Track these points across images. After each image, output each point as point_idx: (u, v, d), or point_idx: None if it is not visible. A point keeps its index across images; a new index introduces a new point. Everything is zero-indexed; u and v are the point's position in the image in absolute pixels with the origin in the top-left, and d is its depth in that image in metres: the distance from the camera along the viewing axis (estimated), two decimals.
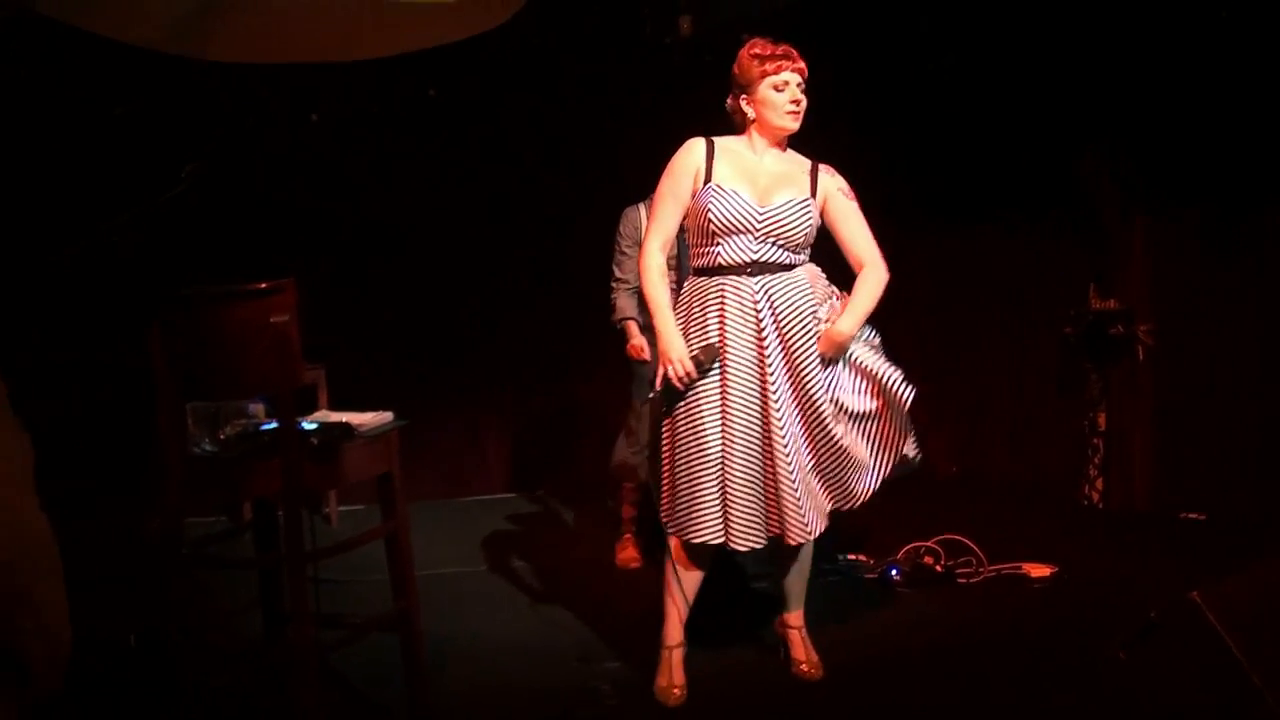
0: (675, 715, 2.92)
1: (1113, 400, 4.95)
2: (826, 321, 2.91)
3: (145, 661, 3.06)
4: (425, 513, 4.76)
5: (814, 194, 2.91)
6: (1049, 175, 4.98)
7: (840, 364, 2.93)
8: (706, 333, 2.86)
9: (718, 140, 2.93)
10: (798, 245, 2.89)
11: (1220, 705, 2.36)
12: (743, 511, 2.84)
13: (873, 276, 2.95)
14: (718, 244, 2.87)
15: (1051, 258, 5.14)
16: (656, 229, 2.93)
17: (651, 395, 2.94)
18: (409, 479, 2.91)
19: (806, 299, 2.89)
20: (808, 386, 2.85)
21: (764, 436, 2.83)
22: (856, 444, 2.92)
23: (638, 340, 4.03)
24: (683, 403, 2.87)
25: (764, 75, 2.86)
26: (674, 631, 3.01)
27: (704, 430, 2.84)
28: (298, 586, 2.53)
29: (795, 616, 3.15)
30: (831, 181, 2.96)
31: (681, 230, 2.99)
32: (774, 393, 2.82)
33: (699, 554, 2.95)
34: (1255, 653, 2.32)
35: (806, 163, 2.97)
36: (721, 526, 2.85)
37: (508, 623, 3.68)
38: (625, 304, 4.09)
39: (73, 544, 1.51)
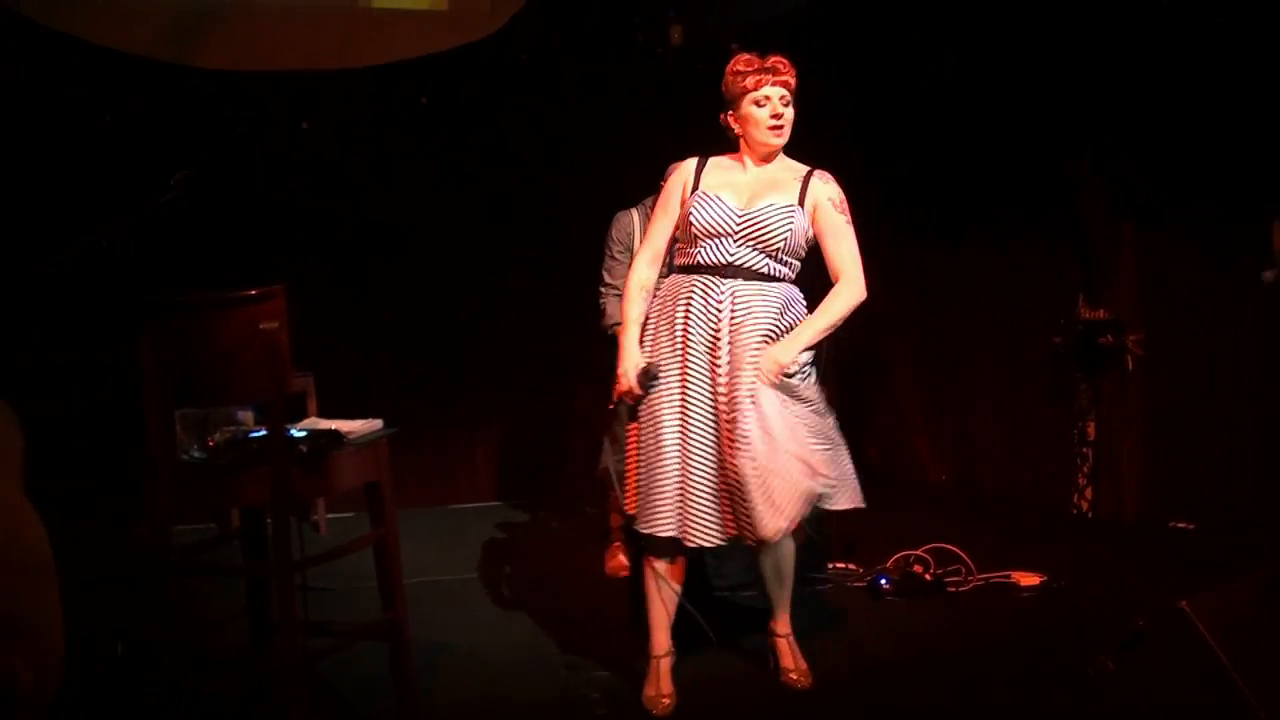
0: None
1: (1102, 410, 4.96)
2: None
3: (133, 669, 3.05)
4: (414, 520, 4.74)
5: (802, 201, 2.90)
6: (1038, 184, 4.99)
7: (783, 398, 2.82)
8: (673, 328, 2.88)
9: (712, 158, 2.99)
10: (777, 251, 2.86)
11: (1208, 714, 2.37)
12: (697, 508, 2.83)
13: (844, 292, 2.90)
14: (699, 246, 2.90)
15: (1041, 267, 5.14)
16: (646, 244, 3.04)
17: (612, 405, 3.06)
18: (398, 486, 2.90)
19: (769, 313, 2.84)
20: (736, 402, 2.80)
21: (717, 436, 2.83)
22: (755, 481, 2.76)
23: None
24: (645, 403, 2.91)
25: (745, 91, 2.88)
26: (661, 640, 3.00)
27: (661, 430, 2.86)
28: (286, 594, 2.52)
29: (781, 624, 3.13)
30: (824, 190, 2.92)
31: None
32: (724, 395, 2.82)
33: (665, 550, 2.93)
34: (1243, 662, 2.33)
35: (802, 169, 2.97)
36: (677, 521, 2.84)
37: (497, 631, 3.67)
38: (615, 309, 4.07)
39: (66, 547, 1.41)
